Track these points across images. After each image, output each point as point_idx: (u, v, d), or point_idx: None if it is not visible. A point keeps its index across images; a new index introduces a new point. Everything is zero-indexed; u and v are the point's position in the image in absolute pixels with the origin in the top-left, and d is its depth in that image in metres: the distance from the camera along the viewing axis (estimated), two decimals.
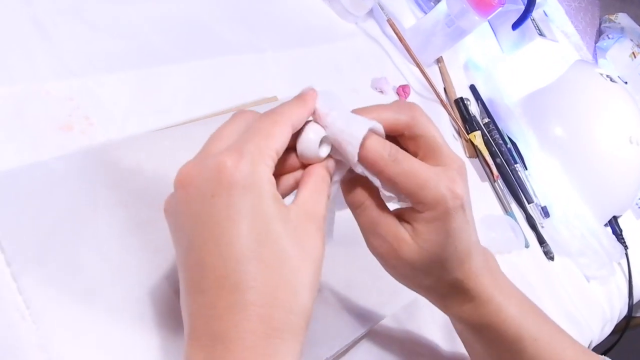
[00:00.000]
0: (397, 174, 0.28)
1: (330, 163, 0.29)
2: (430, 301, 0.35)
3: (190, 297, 0.25)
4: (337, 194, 0.32)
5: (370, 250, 0.32)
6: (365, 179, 0.29)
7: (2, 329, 0.27)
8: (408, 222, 0.30)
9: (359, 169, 0.29)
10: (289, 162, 0.29)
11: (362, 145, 0.28)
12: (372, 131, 0.28)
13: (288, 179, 0.29)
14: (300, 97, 0.29)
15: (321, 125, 0.29)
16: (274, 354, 0.24)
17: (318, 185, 0.28)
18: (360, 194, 0.31)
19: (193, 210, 0.25)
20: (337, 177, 0.30)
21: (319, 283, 0.27)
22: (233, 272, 0.24)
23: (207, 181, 0.25)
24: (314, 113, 0.29)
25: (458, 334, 0.38)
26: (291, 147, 0.29)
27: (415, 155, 0.30)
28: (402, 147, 0.30)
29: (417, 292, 0.34)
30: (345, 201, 0.32)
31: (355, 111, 0.30)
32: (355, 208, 0.32)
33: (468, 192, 0.30)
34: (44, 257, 0.30)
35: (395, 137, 0.31)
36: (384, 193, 0.30)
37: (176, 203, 0.26)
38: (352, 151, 0.28)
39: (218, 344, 0.24)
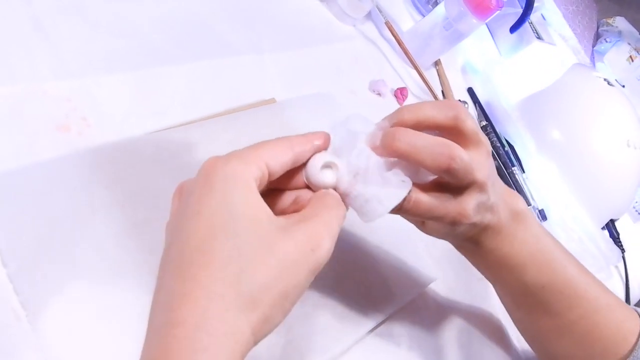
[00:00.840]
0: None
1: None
2: None
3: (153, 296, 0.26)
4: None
5: None
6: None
7: None
8: None
9: None
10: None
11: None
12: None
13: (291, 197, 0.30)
14: (307, 133, 0.30)
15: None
16: (194, 356, 0.22)
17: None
18: None
19: (177, 213, 0.27)
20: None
21: (272, 291, 0.25)
22: (185, 263, 0.24)
23: (191, 183, 0.27)
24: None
25: None
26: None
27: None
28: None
29: None
30: None
31: (400, 109, 0.31)
32: None
33: (487, 202, 0.33)
34: (41, 258, 0.30)
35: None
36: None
37: (170, 213, 0.28)
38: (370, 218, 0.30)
39: (148, 335, 0.24)
